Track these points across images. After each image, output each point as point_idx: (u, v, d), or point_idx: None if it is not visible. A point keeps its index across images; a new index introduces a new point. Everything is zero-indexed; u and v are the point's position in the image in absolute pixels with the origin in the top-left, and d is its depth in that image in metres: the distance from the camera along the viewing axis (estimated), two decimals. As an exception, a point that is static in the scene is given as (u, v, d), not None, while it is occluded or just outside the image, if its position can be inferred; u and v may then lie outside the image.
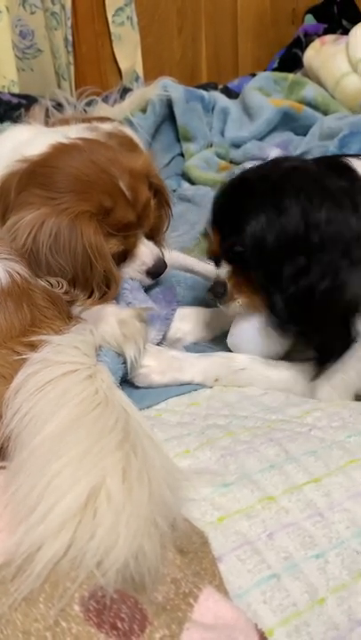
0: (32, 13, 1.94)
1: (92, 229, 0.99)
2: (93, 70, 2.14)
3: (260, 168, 0.99)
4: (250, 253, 0.91)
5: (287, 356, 0.98)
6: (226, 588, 0.62)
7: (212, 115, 1.91)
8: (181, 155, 1.86)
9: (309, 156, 1.49)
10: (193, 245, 1.34)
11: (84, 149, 1.06)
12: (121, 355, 0.91)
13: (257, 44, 2.44)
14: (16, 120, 1.72)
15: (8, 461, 0.69)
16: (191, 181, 1.74)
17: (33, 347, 0.78)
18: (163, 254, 1.12)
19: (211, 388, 0.96)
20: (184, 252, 1.28)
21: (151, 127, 1.82)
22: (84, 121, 1.47)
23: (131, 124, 1.76)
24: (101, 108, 1.88)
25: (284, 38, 2.36)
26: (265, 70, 2.22)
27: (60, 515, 0.58)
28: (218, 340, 1.09)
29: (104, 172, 1.02)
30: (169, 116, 1.86)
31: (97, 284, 1.01)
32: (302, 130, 1.81)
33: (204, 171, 1.73)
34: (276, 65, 2.26)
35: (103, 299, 1.01)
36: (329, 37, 2.07)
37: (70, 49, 2.04)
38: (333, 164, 0.97)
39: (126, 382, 0.95)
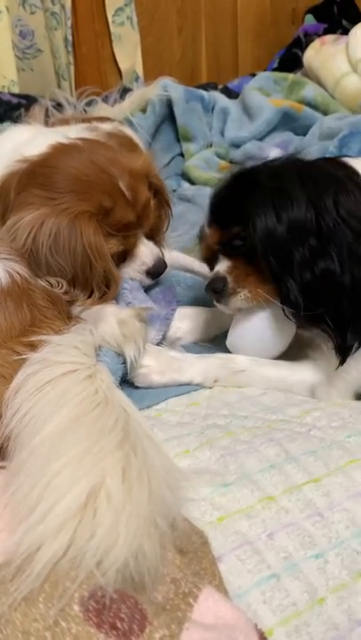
0: (32, 13, 1.95)
1: (91, 229, 0.99)
2: (93, 70, 2.14)
3: (259, 164, 0.99)
4: (260, 245, 0.90)
5: (287, 356, 0.98)
6: (226, 588, 0.62)
7: (212, 115, 1.91)
8: (181, 155, 1.86)
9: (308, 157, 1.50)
10: (193, 245, 1.33)
11: (83, 149, 1.06)
12: (121, 355, 0.91)
13: (257, 44, 2.44)
14: (16, 120, 1.72)
15: (8, 461, 0.69)
16: (191, 181, 1.74)
17: (33, 347, 0.78)
18: (163, 254, 1.12)
19: (210, 388, 0.96)
20: (184, 252, 1.28)
21: (151, 127, 1.82)
22: (83, 121, 1.47)
23: (131, 123, 1.76)
24: (101, 108, 1.88)
25: (284, 38, 2.36)
26: (265, 70, 2.22)
27: (59, 515, 0.58)
28: (217, 339, 1.09)
29: (104, 172, 1.02)
30: (169, 116, 1.86)
31: (97, 284, 1.01)
32: (302, 130, 1.82)
33: (204, 171, 1.73)
34: (276, 65, 2.26)
35: (103, 299, 1.01)
36: (329, 37, 2.07)
37: (70, 49, 2.04)
38: (329, 162, 0.98)
39: (126, 382, 0.95)
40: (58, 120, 1.65)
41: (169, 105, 1.85)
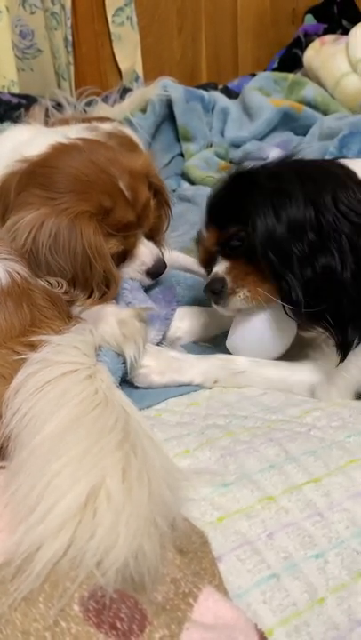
0: (32, 13, 1.95)
1: (91, 229, 0.99)
2: (93, 70, 2.14)
3: (256, 166, 0.99)
4: (260, 244, 0.90)
5: (287, 356, 0.98)
6: (225, 588, 0.62)
7: (212, 115, 1.91)
8: (181, 155, 1.86)
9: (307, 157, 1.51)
10: (193, 245, 1.34)
11: (83, 149, 1.06)
12: (121, 355, 0.91)
13: (257, 44, 2.44)
14: (16, 120, 1.72)
15: (8, 461, 0.69)
16: (191, 181, 1.74)
17: (33, 347, 0.78)
18: (162, 254, 1.12)
19: (210, 389, 0.96)
20: (184, 252, 1.28)
21: (151, 127, 1.82)
22: (83, 121, 1.47)
23: (131, 124, 1.76)
24: (101, 108, 1.88)
25: (284, 38, 2.36)
26: (265, 70, 2.22)
27: (59, 515, 0.59)
28: (217, 339, 1.09)
29: (104, 173, 1.02)
30: (169, 116, 1.86)
31: (97, 284, 1.01)
32: (302, 130, 1.82)
33: (204, 171, 1.73)
34: (276, 65, 2.26)
35: (103, 299, 1.01)
36: (329, 37, 2.07)
37: (70, 49, 2.04)
38: (327, 163, 0.99)
39: (126, 382, 0.95)
40: (58, 120, 1.65)
41: (169, 105, 1.85)
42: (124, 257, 1.07)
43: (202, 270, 1.15)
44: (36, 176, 1.03)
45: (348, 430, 0.82)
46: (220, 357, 0.99)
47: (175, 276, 1.19)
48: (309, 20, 2.31)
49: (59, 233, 0.97)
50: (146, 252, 1.09)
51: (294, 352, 0.97)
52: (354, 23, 2.05)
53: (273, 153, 1.71)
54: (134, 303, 1.04)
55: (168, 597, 0.58)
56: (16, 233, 0.97)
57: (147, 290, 1.11)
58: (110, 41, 2.14)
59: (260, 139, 1.82)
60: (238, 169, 1.00)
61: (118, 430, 0.66)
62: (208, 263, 1.01)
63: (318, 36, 2.16)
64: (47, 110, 1.79)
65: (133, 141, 1.45)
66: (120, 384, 0.90)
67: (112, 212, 1.01)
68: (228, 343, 0.99)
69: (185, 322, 1.10)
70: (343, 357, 0.89)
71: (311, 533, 0.68)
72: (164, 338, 1.06)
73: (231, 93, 2.05)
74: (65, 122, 1.48)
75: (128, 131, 1.51)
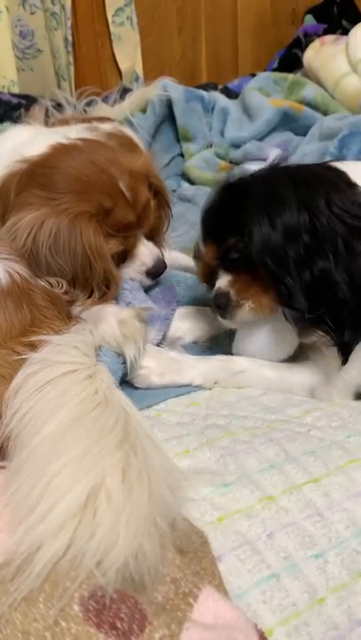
0: (32, 13, 1.95)
1: (91, 230, 0.99)
2: (93, 70, 2.15)
3: (246, 175, 0.99)
4: (257, 253, 0.89)
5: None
6: (225, 588, 0.62)
7: (212, 115, 1.91)
8: (181, 155, 1.87)
9: (308, 158, 1.51)
10: (193, 245, 1.34)
11: (83, 150, 1.06)
12: (121, 355, 0.91)
13: (257, 44, 2.44)
14: (16, 120, 1.72)
15: (8, 461, 0.69)
16: (191, 181, 1.74)
17: (33, 347, 0.78)
18: (162, 255, 1.12)
19: (210, 389, 0.96)
20: (184, 252, 1.28)
21: (151, 127, 1.82)
22: (83, 121, 1.47)
23: (131, 124, 1.76)
24: (101, 109, 1.88)
25: (283, 38, 2.36)
26: (265, 70, 2.22)
27: (59, 515, 0.59)
28: (217, 339, 1.09)
29: (104, 173, 1.02)
30: (169, 116, 1.86)
31: (97, 284, 1.01)
32: (302, 130, 1.82)
33: (204, 171, 1.73)
34: (275, 65, 2.26)
35: (103, 299, 1.01)
36: (329, 38, 2.07)
37: (70, 49, 2.04)
38: (319, 165, 0.99)
39: (126, 382, 0.95)
40: (58, 120, 1.65)
41: (169, 105, 1.85)
42: (124, 257, 1.07)
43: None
44: (36, 176, 1.03)
45: (348, 430, 0.82)
46: (220, 358, 0.99)
47: (175, 276, 1.19)
48: (309, 20, 2.31)
49: (59, 233, 0.97)
50: (146, 252, 1.09)
51: (294, 353, 0.97)
52: (354, 23, 2.05)
53: (273, 153, 1.72)
54: (134, 303, 1.04)
55: (168, 597, 0.58)
56: (16, 233, 0.97)
57: (147, 290, 1.11)
58: (110, 41, 2.15)
59: (260, 139, 1.82)
60: (229, 179, 1.00)
61: (118, 430, 0.66)
62: (209, 278, 1.01)
63: (318, 36, 2.16)
64: (47, 110, 1.79)
65: (133, 142, 1.45)
66: (120, 384, 0.90)
67: (112, 213, 1.01)
68: (236, 349, 0.99)
69: (185, 322, 1.10)
70: (345, 360, 0.89)
71: (311, 533, 0.68)
72: (164, 338, 1.06)
73: (231, 93, 2.05)
74: (65, 122, 1.48)
75: (128, 131, 1.51)
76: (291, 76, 1.98)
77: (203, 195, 1.54)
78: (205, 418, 0.87)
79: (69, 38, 2.03)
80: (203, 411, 0.90)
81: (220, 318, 0.98)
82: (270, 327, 0.95)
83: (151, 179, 1.11)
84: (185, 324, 1.09)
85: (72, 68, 2.07)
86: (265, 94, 1.91)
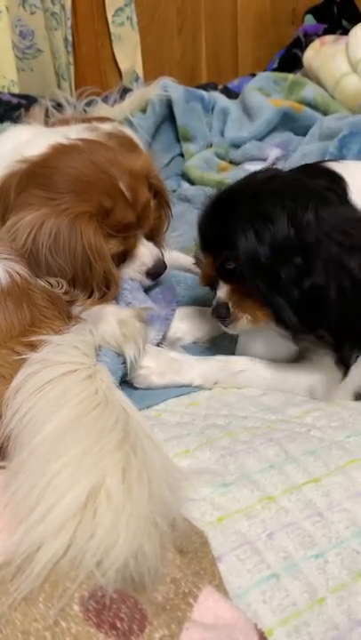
0: (32, 13, 1.94)
1: (91, 230, 0.99)
2: (93, 70, 2.14)
3: (238, 183, 0.99)
4: (246, 269, 0.90)
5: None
6: (225, 588, 0.62)
7: (212, 115, 1.91)
8: (181, 155, 1.86)
9: (308, 158, 1.51)
10: (193, 245, 1.34)
11: (83, 150, 1.06)
12: (121, 355, 0.91)
13: (257, 44, 2.44)
14: (16, 120, 1.72)
15: (8, 461, 0.69)
16: (191, 182, 1.74)
17: (33, 347, 0.78)
18: (162, 255, 1.12)
19: (210, 390, 0.96)
20: (184, 252, 1.28)
21: (151, 127, 1.82)
22: (83, 121, 1.47)
23: (131, 124, 1.76)
24: (101, 109, 1.88)
25: (283, 38, 2.36)
26: (265, 70, 2.22)
27: (59, 514, 0.59)
28: (217, 339, 1.09)
29: (104, 173, 1.02)
30: (169, 116, 1.86)
31: (97, 284, 1.01)
32: (302, 130, 1.82)
33: (204, 171, 1.73)
34: (275, 65, 2.26)
35: (103, 299, 1.01)
36: (329, 38, 2.07)
37: (70, 49, 2.04)
38: (310, 171, 0.98)
39: (126, 382, 0.95)
40: (58, 120, 1.65)
41: (169, 105, 1.85)
42: (124, 257, 1.07)
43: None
44: (36, 176, 1.03)
45: (348, 430, 0.82)
46: (219, 359, 0.99)
47: (175, 276, 1.19)
48: (309, 20, 2.30)
49: (59, 233, 0.97)
50: (146, 252, 1.09)
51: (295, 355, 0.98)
52: (354, 23, 2.05)
53: (273, 153, 1.72)
54: (134, 303, 1.04)
55: (168, 597, 0.58)
56: (16, 233, 0.97)
57: (147, 290, 1.11)
58: (110, 41, 2.14)
59: (260, 139, 1.82)
60: (219, 191, 0.99)
61: (118, 430, 0.66)
62: (212, 286, 1.01)
63: (318, 36, 2.16)
64: (47, 110, 1.79)
65: (133, 142, 1.45)
66: (120, 384, 0.90)
67: (112, 213, 1.01)
68: (238, 352, 1.00)
69: (185, 322, 1.10)
70: (346, 371, 0.91)
71: (311, 533, 0.68)
72: (164, 338, 1.06)
73: (231, 93, 2.05)
74: (65, 122, 1.48)
75: (128, 131, 1.51)
76: (291, 76, 1.98)
77: (203, 195, 1.54)
78: (205, 418, 0.87)
79: (69, 38, 2.03)
80: (203, 411, 0.90)
81: (222, 326, 0.99)
82: (272, 334, 0.95)
83: (151, 179, 1.11)
84: (185, 325, 1.09)
85: (72, 67, 2.07)
86: (265, 94, 1.92)
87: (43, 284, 0.91)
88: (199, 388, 0.96)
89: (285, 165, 1.53)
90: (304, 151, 1.65)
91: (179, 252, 1.29)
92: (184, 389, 0.95)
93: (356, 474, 0.74)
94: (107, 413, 0.68)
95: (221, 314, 0.96)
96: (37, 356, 0.76)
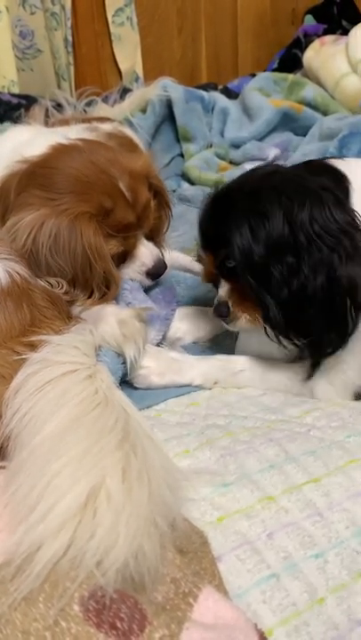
0: (32, 14, 1.95)
1: (91, 230, 0.99)
2: (93, 71, 2.14)
3: (237, 180, 0.99)
4: (239, 266, 0.89)
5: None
6: (225, 588, 0.62)
7: (212, 115, 1.91)
8: (181, 155, 1.86)
9: (308, 158, 1.50)
10: (193, 245, 1.34)
11: (83, 150, 1.06)
12: (121, 355, 0.91)
13: (257, 45, 2.44)
14: (16, 120, 1.72)
15: (8, 461, 0.69)
16: (191, 182, 1.74)
17: (33, 347, 0.78)
18: (162, 255, 1.13)
19: (210, 389, 0.96)
20: (184, 252, 1.28)
21: (151, 127, 1.82)
22: (83, 121, 1.47)
23: (131, 124, 1.76)
24: (101, 109, 1.88)
25: (283, 38, 2.36)
26: (265, 70, 2.22)
27: (59, 514, 0.59)
28: (217, 339, 1.09)
29: (104, 173, 1.02)
30: (169, 116, 1.86)
31: (97, 284, 1.01)
32: (302, 130, 1.82)
33: (204, 171, 1.73)
34: (275, 65, 2.26)
35: (103, 299, 1.01)
36: (329, 38, 2.07)
37: (70, 49, 2.04)
38: (313, 167, 0.97)
39: (126, 382, 0.95)
40: (58, 120, 1.64)
41: (169, 105, 1.85)
42: (124, 258, 1.07)
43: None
44: (36, 177, 1.03)
45: (348, 430, 0.82)
46: (219, 358, 0.99)
47: (175, 276, 1.19)
48: (309, 20, 2.30)
49: (59, 234, 0.97)
50: (146, 252, 1.09)
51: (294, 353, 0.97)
52: (354, 23, 2.05)
53: (273, 153, 1.72)
54: (134, 303, 1.04)
55: (168, 597, 0.58)
56: (16, 233, 0.97)
57: (147, 290, 1.11)
58: (110, 41, 2.14)
59: (260, 139, 1.82)
60: (217, 189, 0.99)
61: (118, 430, 0.66)
62: (215, 283, 1.01)
63: (318, 36, 2.16)
64: (47, 110, 1.79)
65: (133, 142, 1.45)
66: (120, 384, 0.90)
67: (112, 213, 1.01)
68: (237, 350, 1.00)
69: (185, 322, 1.10)
70: (312, 372, 0.92)
71: (311, 533, 0.68)
72: (164, 338, 1.06)
73: (231, 94, 2.05)
74: (65, 122, 1.48)
75: (128, 131, 1.51)
76: (291, 77, 1.98)
77: (203, 195, 1.54)
78: (205, 418, 0.87)
79: (69, 38, 2.03)
80: (203, 411, 0.90)
81: (223, 324, 0.99)
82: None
83: (151, 179, 1.11)
84: (185, 325, 1.09)
85: (72, 68, 2.07)
86: (265, 94, 1.92)
87: (43, 284, 0.91)
88: (199, 387, 0.96)
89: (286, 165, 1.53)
90: (304, 151, 1.65)
91: (179, 252, 1.29)
92: (184, 389, 0.95)
93: (357, 474, 0.74)
94: (107, 413, 0.68)
95: (222, 312, 0.97)
96: (37, 356, 0.76)
